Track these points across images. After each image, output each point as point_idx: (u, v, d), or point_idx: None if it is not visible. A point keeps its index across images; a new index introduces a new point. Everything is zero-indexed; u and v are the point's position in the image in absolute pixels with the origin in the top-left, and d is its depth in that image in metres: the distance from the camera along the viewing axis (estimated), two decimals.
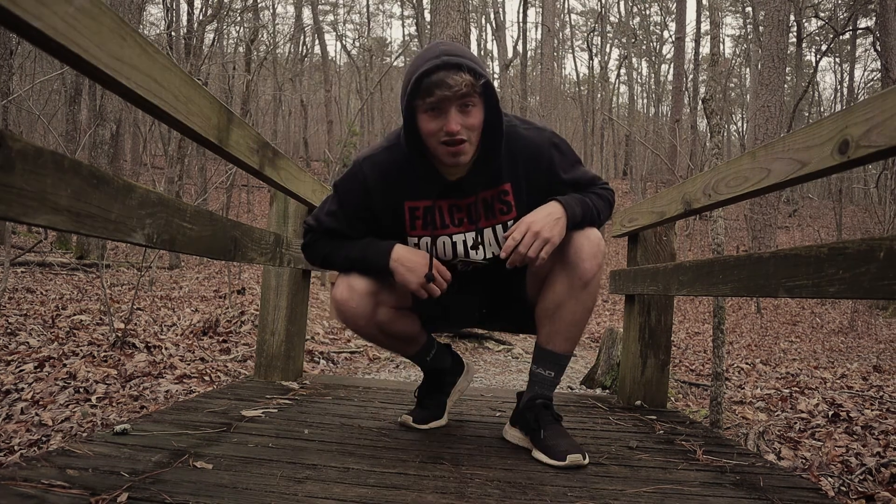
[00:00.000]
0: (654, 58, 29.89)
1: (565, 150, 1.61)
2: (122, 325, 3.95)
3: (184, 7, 16.96)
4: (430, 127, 1.42)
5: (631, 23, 27.26)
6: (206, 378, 3.36)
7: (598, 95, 25.17)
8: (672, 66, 23.22)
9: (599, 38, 25.60)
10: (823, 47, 22.92)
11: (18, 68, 14.05)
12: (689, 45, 23.29)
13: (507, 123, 1.52)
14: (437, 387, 1.87)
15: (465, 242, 1.60)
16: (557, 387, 1.70)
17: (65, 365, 3.17)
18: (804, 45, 22.63)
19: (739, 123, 30.27)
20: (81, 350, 3.49)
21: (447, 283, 1.54)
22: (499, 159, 1.52)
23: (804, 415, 3.29)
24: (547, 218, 1.48)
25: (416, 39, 17.04)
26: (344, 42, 31.94)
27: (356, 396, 2.21)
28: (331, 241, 1.64)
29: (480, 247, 1.61)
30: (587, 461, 1.46)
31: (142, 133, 18.38)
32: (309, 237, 1.68)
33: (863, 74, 29.51)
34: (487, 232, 1.60)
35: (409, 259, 1.53)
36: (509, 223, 1.59)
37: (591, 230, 1.57)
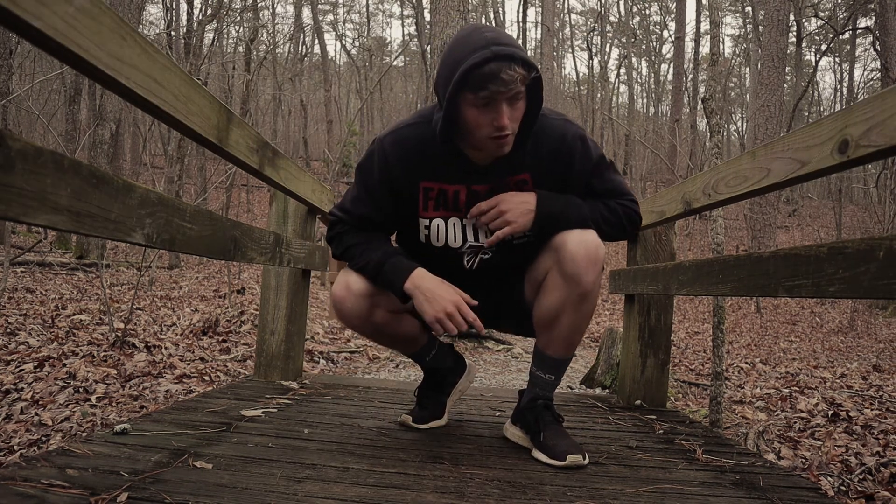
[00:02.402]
0: (653, 57, 29.89)
1: (591, 148, 1.55)
2: (121, 325, 3.95)
3: (183, 7, 16.97)
4: (478, 120, 1.37)
5: (631, 22, 27.26)
6: (206, 378, 3.36)
7: (598, 95, 25.17)
8: (672, 65, 23.24)
9: (599, 37, 25.60)
10: (823, 47, 22.93)
11: (18, 68, 14.05)
12: (689, 45, 23.30)
13: (546, 110, 1.51)
14: (437, 386, 1.85)
15: (475, 227, 1.56)
16: (558, 387, 1.70)
17: (64, 365, 3.17)
18: (804, 44, 22.63)
19: (739, 123, 30.27)
20: (81, 350, 3.49)
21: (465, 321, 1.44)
22: (524, 148, 1.49)
23: (804, 414, 3.30)
24: (519, 205, 1.48)
25: (415, 39, 17.03)
26: (344, 42, 31.94)
27: (356, 396, 2.21)
28: (357, 234, 1.58)
29: (492, 232, 1.55)
30: (587, 461, 1.46)
31: (141, 133, 18.38)
32: (336, 229, 1.61)
33: (862, 74, 29.53)
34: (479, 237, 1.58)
35: (430, 290, 1.45)
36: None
37: (586, 235, 1.49)
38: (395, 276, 1.48)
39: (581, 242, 1.47)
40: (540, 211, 1.50)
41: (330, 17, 31.46)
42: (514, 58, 1.30)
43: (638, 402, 2.35)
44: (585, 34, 29.45)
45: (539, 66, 1.39)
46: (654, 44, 29.83)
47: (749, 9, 21.81)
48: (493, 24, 26.59)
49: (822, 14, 21.11)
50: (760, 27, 15.43)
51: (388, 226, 1.61)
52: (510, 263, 1.63)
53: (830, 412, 3.27)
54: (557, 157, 1.52)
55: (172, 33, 15.26)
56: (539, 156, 1.51)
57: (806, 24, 21.72)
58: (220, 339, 4.47)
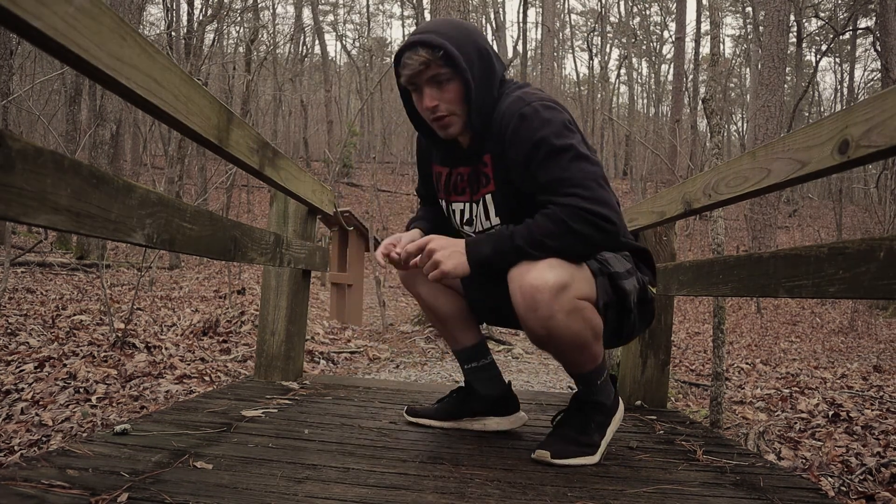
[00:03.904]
0: (654, 58, 29.89)
1: (532, 127, 1.36)
2: (122, 326, 3.95)
3: (184, 7, 16.98)
4: (417, 105, 1.49)
5: (631, 23, 27.26)
6: (206, 378, 3.36)
7: (598, 95, 25.17)
8: (672, 66, 23.22)
9: (599, 38, 25.60)
10: (823, 47, 22.93)
11: (18, 68, 14.05)
12: (689, 45, 23.30)
13: (507, 93, 1.46)
14: (460, 402, 1.78)
15: (461, 212, 1.60)
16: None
17: (65, 365, 3.17)
18: (804, 45, 22.62)
19: (739, 123, 30.27)
20: (81, 350, 3.49)
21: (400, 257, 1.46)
22: (479, 130, 1.47)
23: (804, 415, 3.29)
24: (450, 247, 1.38)
25: None
26: (344, 42, 31.97)
27: (356, 396, 2.21)
28: (423, 202, 1.81)
29: (472, 222, 1.58)
30: (557, 461, 1.44)
31: (142, 133, 18.38)
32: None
33: (863, 74, 29.53)
34: (474, 206, 1.56)
35: (405, 235, 1.61)
36: (487, 197, 1.50)
37: (524, 276, 1.31)
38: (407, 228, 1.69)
39: (517, 285, 1.32)
40: (471, 256, 1.38)
41: (330, 17, 31.49)
42: (417, 43, 1.39)
43: (638, 402, 2.35)
44: (586, 34, 29.50)
45: (452, 47, 1.39)
46: (655, 44, 29.83)
47: (749, 9, 21.81)
48: (494, 25, 26.61)
49: (822, 14, 21.11)
50: (761, 27, 15.43)
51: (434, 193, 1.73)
52: None
53: (831, 412, 3.27)
54: (501, 137, 1.41)
55: (173, 34, 15.26)
56: (494, 137, 1.44)
57: (806, 24, 21.72)
58: (221, 339, 4.47)
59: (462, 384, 1.83)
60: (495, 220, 1.52)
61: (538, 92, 1.45)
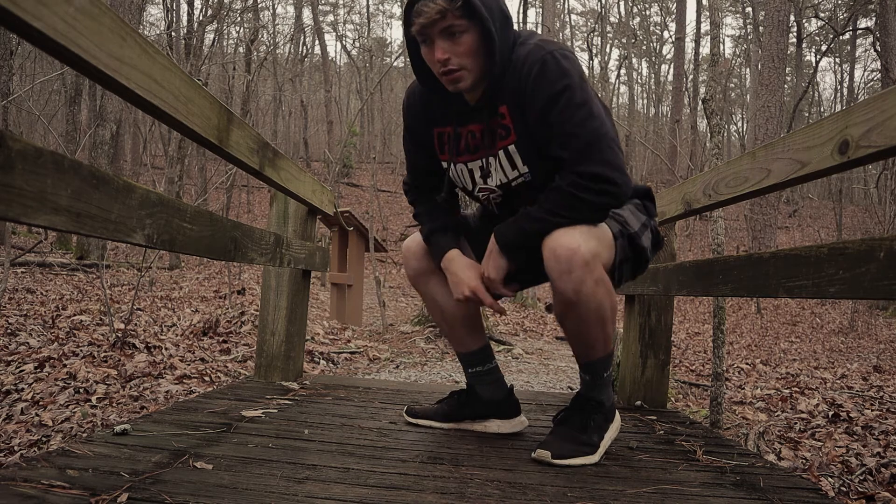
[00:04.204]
0: (654, 58, 29.90)
1: (552, 74, 1.37)
2: (122, 326, 3.95)
3: (184, 7, 16.98)
4: (427, 57, 1.42)
5: (631, 23, 27.26)
6: (207, 378, 3.36)
7: (599, 95, 25.12)
8: (672, 66, 23.23)
9: (599, 38, 25.57)
10: (823, 47, 22.93)
11: (18, 69, 14.05)
12: (689, 46, 23.29)
13: (521, 42, 1.43)
14: (461, 405, 1.78)
15: (480, 168, 1.55)
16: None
17: (65, 365, 3.17)
18: (804, 45, 22.64)
19: (739, 123, 30.27)
20: (81, 350, 3.49)
21: (493, 300, 1.54)
22: (494, 82, 1.43)
23: (804, 415, 3.29)
24: (486, 259, 1.51)
25: None
26: (344, 42, 31.98)
27: (356, 397, 2.21)
28: (423, 202, 1.69)
29: (490, 175, 1.54)
30: (557, 461, 1.43)
31: (142, 133, 18.39)
32: (408, 196, 1.74)
33: (863, 74, 29.55)
34: (492, 160, 1.52)
35: (455, 273, 1.56)
36: (510, 148, 1.47)
37: (559, 239, 1.37)
38: (435, 252, 1.62)
39: (550, 250, 1.39)
40: (501, 244, 1.48)
41: (330, 17, 31.51)
42: None
43: (638, 402, 2.35)
44: (586, 35, 29.45)
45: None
46: (655, 44, 29.84)
47: (749, 9, 21.82)
48: None
49: (822, 15, 21.11)
50: (761, 28, 15.43)
51: (435, 170, 1.65)
52: (525, 202, 1.53)
53: (831, 413, 3.27)
54: (520, 85, 1.40)
55: (173, 34, 15.26)
56: (511, 86, 1.42)
57: (806, 24, 21.74)
58: (221, 339, 4.46)
59: (463, 386, 1.83)
60: (524, 169, 1.49)
61: (553, 41, 1.44)
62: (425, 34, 1.38)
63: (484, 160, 1.53)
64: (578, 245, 1.35)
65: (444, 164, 1.62)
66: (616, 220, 1.50)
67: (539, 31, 1.47)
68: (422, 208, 1.70)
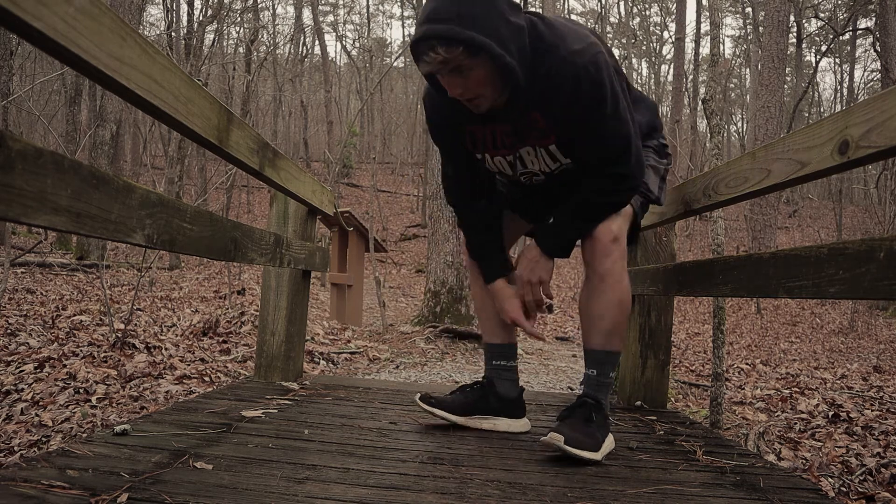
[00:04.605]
0: (654, 58, 29.90)
1: (587, 91, 1.43)
2: (122, 326, 3.95)
3: (184, 7, 16.99)
4: (443, 84, 1.43)
5: (631, 23, 27.27)
6: (206, 378, 3.36)
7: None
8: (672, 66, 23.21)
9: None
10: (823, 48, 22.93)
11: (18, 69, 14.06)
12: (689, 46, 23.26)
13: (548, 49, 1.42)
14: (479, 397, 1.81)
15: (519, 160, 1.63)
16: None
17: (65, 365, 3.17)
18: (804, 45, 22.64)
19: (739, 124, 30.28)
20: (81, 350, 3.49)
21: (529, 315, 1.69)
22: (521, 93, 1.44)
23: (804, 415, 3.29)
24: (531, 262, 1.63)
25: None
26: (344, 43, 32.00)
27: (356, 397, 2.21)
28: (468, 216, 1.75)
29: (527, 166, 1.63)
30: (570, 448, 1.43)
31: (142, 134, 18.39)
32: (449, 196, 1.80)
33: (863, 75, 29.56)
34: (526, 154, 1.59)
35: (500, 303, 1.70)
36: (551, 147, 1.56)
37: (598, 229, 1.59)
38: (483, 276, 1.74)
39: (594, 238, 1.60)
40: (548, 253, 1.63)
41: (330, 18, 31.52)
42: (433, 37, 1.29)
43: (638, 402, 2.35)
44: None
45: (472, 36, 1.29)
46: (655, 45, 29.84)
47: (749, 9, 21.83)
48: None
49: (822, 15, 21.12)
50: (760, 28, 15.43)
51: (472, 159, 1.69)
52: (564, 182, 1.67)
53: (831, 413, 3.26)
54: (554, 94, 1.45)
55: (173, 34, 15.27)
56: (543, 94, 1.45)
57: (806, 24, 21.75)
58: (221, 339, 4.46)
59: (480, 380, 1.85)
60: (566, 161, 1.59)
61: (580, 40, 1.43)
62: (436, 73, 1.39)
63: (517, 154, 1.60)
64: (609, 236, 1.58)
65: (479, 157, 1.67)
66: (640, 194, 1.71)
67: (555, 25, 1.47)
68: (467, 221, 1.77)
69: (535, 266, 1.63)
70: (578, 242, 1.69)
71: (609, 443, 1.57)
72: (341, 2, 31.37)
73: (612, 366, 1.65)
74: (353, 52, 30.77)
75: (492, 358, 1.83)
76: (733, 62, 27.98)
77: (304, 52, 27.09)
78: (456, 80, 1.37)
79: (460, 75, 1.36)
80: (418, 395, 1.78)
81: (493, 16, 1.33)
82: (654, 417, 2.14)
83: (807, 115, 24.97)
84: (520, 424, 1.81)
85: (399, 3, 32.45)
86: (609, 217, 1.59)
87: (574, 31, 1.48)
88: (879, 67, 15.76)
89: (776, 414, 3.39)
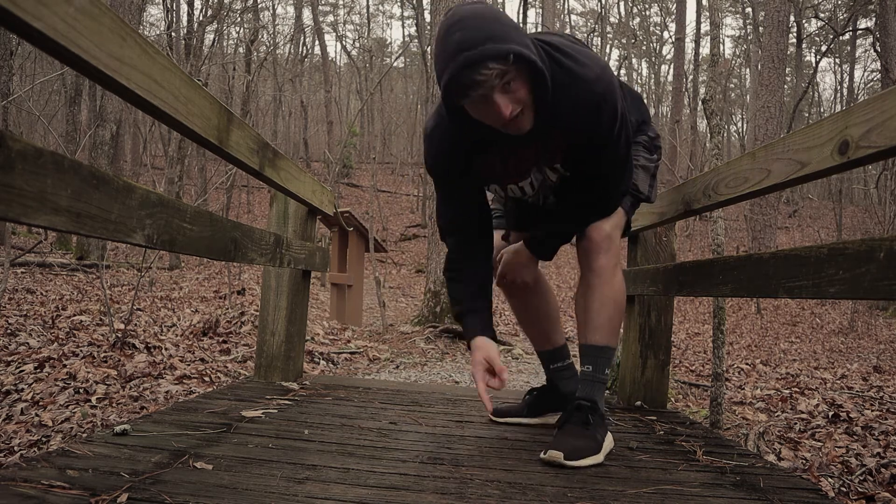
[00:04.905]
0: (654, 58, 29.91)
1: (605, 122, 1.50)
2: (122, 326, 3.95)
3: (184, 7, 16.99)
4: (484, 115, 1.40)
5: (631, 23, 27.28)
6: (206, 379, 3.36)
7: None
8: (672, 66, 23.24)
9: (599, 38, 25.60)
10: (823, 48, 22.92)
11: (18, 69, 14.05)
12: (689, 46, 23.29)
13: (564, 65, 1.44)
14: (546, 400, 1.92)
15: (529, 184, 1.68)
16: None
17: (65, 365, 3.17)
18: (804, 45, 22.64)
19: (739, 124, 30.28)
20: (81, 350, 3.49)
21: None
22: (546, 108, 1.45)
23: (804, 415, 3.29)
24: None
25: (416, 40, 17.04)
26: (344, 43, 31.99)
27: (356, 397, 2.21)
28: (455, 263, 1.73)
29: (536, 184, 1.69)
30: (570, 462, 1.43)
31: (142, 134, 18.39)
32: (446, 239, 1.77)
33: (863, 75, 29.56)
34: (540, 175, 1.66)
35: (472, 360, 1.66)
36: (556, 165, 1.63)
37: (591, 229, 1.67)
38: (464, 330, 1.71)
39: (595, 230, 1.67)
40: (538, 258, 1.77)
41: (330, 18, 31.52)
42: (483, 58, 1.28)
43: (638, 402, 2.35)
44: (586, 35, 29.46)
45: (514, 46, 1.31)
46: (655, 45, 29.85)
47: (749, 10, 21.82)
48: None
49: (822, 15, 21.12)
50: (760, 28, 15.43)
51: (471, 212, 1.71)
52: (565, 192, 1.72)
53: (831, 413, 3.27)
54: (573, 119, 1.49)
55: (173, 34, 15.27)
56: (564, 115, 1.48)
57: (806, 24, 21.75)
58: (221, 339, 4.46)
59: (542, 385, 1.97)
60: (566, 173, 1.65)
61: (589, 71, 1.46)
62: (485, 96, 1.35)
63: (534, 178, 1.67)
64: (607, 233, 1.66)
65: (489, 193, 1.77)
66: (630, 194, 1.77)
67: (565, 44, 1.51)
68: (456, 273, 1.72)
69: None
70: (573, 241, 1.74)
71: (609, 441, 1.58)
72: (341, 2, 31.39)
73: (607, 362, 1.67)
74: (353, 53, 30.79)
75: (549, 362, 1.93)
76: (733, 62, 27.99)
77: (304, 52, 27.10)
78: (505, 97, 1.35)
79: (507, 87, 1.35)
80: (490, 413, 1.89)
81: (516, 31, 1.37)
82: (654, 417, 2.14)
83: (807, 115, 24.97)
84: None
85: (399, 3, 32.46)
86: (601, 218, 1.67)
87: (581, 51, 1.52)
88: (879, 67, 15.77)
89: (776, 414, 3.39)
